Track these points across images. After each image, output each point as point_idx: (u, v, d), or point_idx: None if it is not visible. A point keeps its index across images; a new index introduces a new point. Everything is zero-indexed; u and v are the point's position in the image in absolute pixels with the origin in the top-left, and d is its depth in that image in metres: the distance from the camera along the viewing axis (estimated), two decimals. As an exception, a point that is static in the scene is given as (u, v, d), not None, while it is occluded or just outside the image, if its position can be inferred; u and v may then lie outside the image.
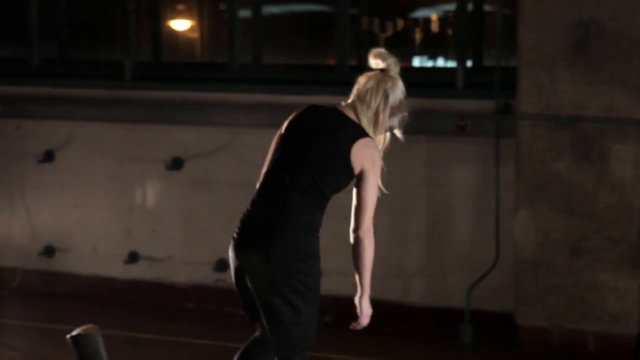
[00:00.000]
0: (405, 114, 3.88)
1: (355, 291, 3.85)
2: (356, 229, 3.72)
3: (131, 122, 6.96)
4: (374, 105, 3.78)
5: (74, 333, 4.53)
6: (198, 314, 6.68)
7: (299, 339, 3.72)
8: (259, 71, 7.07)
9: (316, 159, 3.72)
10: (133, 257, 6.99)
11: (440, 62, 7.63)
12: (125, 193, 7.02)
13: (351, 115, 3.79)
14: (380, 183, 3.77)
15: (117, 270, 7.02)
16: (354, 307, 3.86)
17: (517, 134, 5.83)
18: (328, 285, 6.30)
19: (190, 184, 6.88)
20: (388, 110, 3.79)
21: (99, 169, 7.05)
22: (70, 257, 7.15)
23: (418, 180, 6.36)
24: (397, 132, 3.91)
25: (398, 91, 3.81)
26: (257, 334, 3.88)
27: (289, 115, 6.50)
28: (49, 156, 7.13)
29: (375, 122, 3.79)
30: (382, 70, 3.81)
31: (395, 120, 3.88)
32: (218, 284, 6.82)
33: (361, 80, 3.82)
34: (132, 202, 7.02)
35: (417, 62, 7.69)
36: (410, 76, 6.60)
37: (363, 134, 3.76)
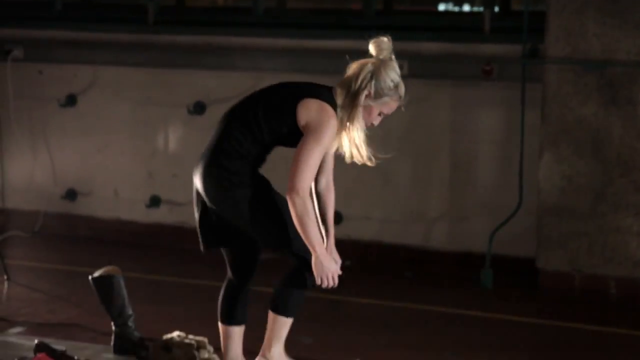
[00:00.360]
0: (399, 105, 3.76)
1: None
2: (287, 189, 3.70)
3: (154, 67, 6.93)
4: (354, 87, 3.69)
5: (96, 274, 4.56)
6: (219, 258, 6.66)
7: (267, 236, 3.84)
8: (283, 15, 6.99)
9: (268, 97, 3.79)
10: (155, 201, 7.00)
11: (466, 7, 7.54)
12: (148, 137, 7.01)
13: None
14: (318, 149, 3.66)
15: (139, 214, 7.04)
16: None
17: (543, 78, 5.76)
18: (347, 230, 6.35)
19: (212, 128, 6.80)
20: (371, 99, 3.68)
21: (121, 113, 7.04)
22: (92, 201, 7.17)
23: (442, 125, 6.30)
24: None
25: (386, 78, 3.68)
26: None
27: (313, 59, 6.51)
28: (71, 100, 7.12)
29: (352, 108, 3.68)
30: (374, 56, 3.72)
31: (379, 119, 3.76)
32: (239, 229, 6.82)
33: (352, 65, 3.75)
34: (154, 147, 7.02)
35: (442, 6, 7.61)
36: (436, 21, 6.62)
37: (328, 98, 3.71)
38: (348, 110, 3.70)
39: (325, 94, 3.74)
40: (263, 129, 3.76)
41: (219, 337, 4.63)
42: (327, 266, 3.72)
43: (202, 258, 6.85)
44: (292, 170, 3.66)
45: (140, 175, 7.05)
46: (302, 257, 3.83)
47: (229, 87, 6.80)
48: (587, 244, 5.72)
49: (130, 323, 4.51)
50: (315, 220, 3.72)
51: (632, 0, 5.53)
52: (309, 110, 3.68)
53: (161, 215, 7.01)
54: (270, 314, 3.98)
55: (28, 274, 6.10)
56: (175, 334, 4.37)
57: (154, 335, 4.48)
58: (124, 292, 4.55)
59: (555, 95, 5.71)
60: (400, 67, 3.83)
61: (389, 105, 3.74)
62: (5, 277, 5.86)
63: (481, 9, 6.47)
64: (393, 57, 3.73)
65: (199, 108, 6.84)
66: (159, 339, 4.36)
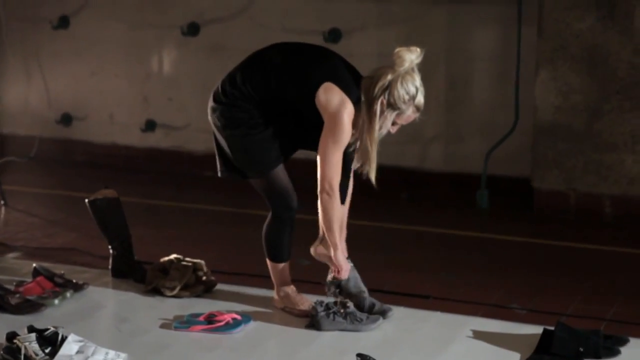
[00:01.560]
0: (415, 116, 3.78)
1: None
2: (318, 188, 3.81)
3: (147, -13, 6.84)
4: (371, 94, 3.70)
5: (92, 198, 4.55)
6: (215, 182, 6.64)
7: (241, 165, 3.98)
8: None
9: (293, 63, 3.82)
10: (150, 125, 6.97)
11: None
12: (142, 60, 6.95)
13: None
14: (339, 149, 3.73)
15: (134, 138, 7.02)
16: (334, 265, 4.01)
17: (540, -7, 5.68)
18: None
19: (207, 49, 6.79)
20: (385, 108, 3.69)
21: (115, 35, 6.97)
22: (87, 125, 7.15)
23: (438, 44, 6.23)
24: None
25: (402, 90, 3.68)
26: None
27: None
28: (64, 22, 7.03)
29: (368, 113, 3.71)
30: (395, 66, 3.70)
31: (394, 127, 3.78)
32: (236, 152, 6.81)
33: (378, 68, 3.75)
34: (148, 69, 6.96)
35: None
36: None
37: (352, 89, 3.72)
38: (365, 112, 3.74)
39: (350, 85, 3.75)
40: (272, 90, 3.83)
41: (215, 259, 4.67)
42: (341, 265, 3.95)
43: (198, 182, 6.90)
44: (319, 172, 3.79)
45: (136, 99, 7.01)
46: (273, 203, 4.00)
47: (223, 6, 6.71)
48: (582, 163, 5.71)
49: (127, 246, 4.53)
50: (338, 225, 3.88)
51: None
52: (331, 97, 3.72)
53: (157, 140, 6.99)
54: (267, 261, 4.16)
55: (25, 199, 6.10)
56: (173, 256, 4.40)
57: (151, 259, 4.51)
58: (122, 215, 4.56)
59: (552, 10, 5.63)
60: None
61: (404, 116, 3.77)
62: (2, 202, 5.87)
63: None
64: (415, 68, 3.74)
65: (193, 29, 6.76)
66: (156, 262, 4.39)
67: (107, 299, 4.26)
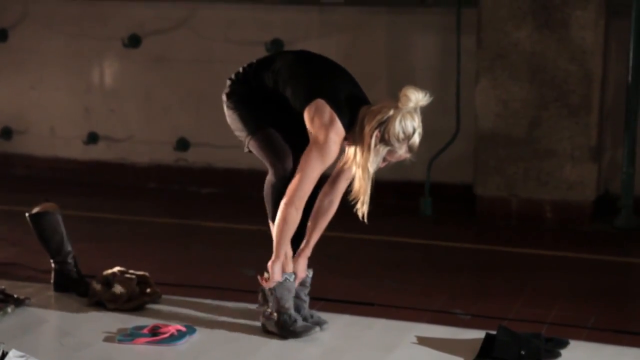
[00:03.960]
0: (407, 156, 3.78)
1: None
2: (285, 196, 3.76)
3: (86, -1, 6.80)
4: (368, 123, 3.67)
5: (33, 211, 4.50)
6: (159, 194, 6.67)
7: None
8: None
9: (297, 75, 3.81)
10: (92, 138, 6.92)
11: None
12: (83, 72, 6.90)
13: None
14: (322, 168, 3.70)
15: (77, 151, 6.96)
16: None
17: (478, 2, 5.75)
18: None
19: (148, 61, 6.76)
20: (378, 142, 3.68)
21: (55, 47, 6.91)
22: (28, 139, 7.07)
23: (379, 53, 6.29)
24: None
25: (399, 128, 3.67)
26: None
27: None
28: (2, 35, 6.96)
29: (361, 142, 3.69)
30: (398, 102, 3.70)
31: (383, 163, 3.77)
32: (179, 163, 6.79)
33: (383, 101, 3.75)
34: (89, 81, 6.91)
35: None
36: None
37: (346, 113, 3.69)
38: (357, 141, 3.72)
39: (343, 108, 3.72)
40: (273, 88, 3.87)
41: (159, 271, 4.64)
42: (276, 275, 3.83)
43: (142, 194, 6.86)
44: (294, 184, 3.72)
45: (77, 112, 6.95)
46: (273, 162, 3.89)
47: (165, 18, 6.69)
48: (523, 169, 5.79)
49: (69, 260, 4.48)
50: (290, 238, 3.81)
51: None
52: (320, 114, 3.70)
53: (99, 152, 6.93)
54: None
55: (-36, 214, 6.02)
56: (116, 269, 4.36)
57: (94, 272, 4.46)
58: (62, 228, 4.51)
59: (490, 19, 5.72)
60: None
61: (395, 153, 3.76)
62: (-59, 218, 5.78)
63: None
64: (418, 109, 3.74)
65: (134, 41, 6.73)
66: (99, 275, 4.35)
67: (49, 314, 4.21)
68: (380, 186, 6.44)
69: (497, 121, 5.79)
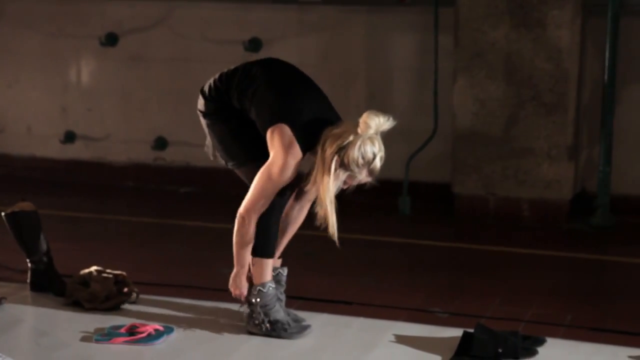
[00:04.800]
0: (368, 180, 3.76)
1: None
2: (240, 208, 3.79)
3: (63, -3, 6.77)
4: (328, 147, 3.65)
5: (9, 210, 4.48)
6: (138, 193, 6.64)
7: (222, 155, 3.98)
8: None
9: (263, 91, 3.78)
10: (69, 137, 6.89)
11: None
12: (59, 71, 6.86)
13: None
14: (278, 186, 3.70)
15: (54, 150, 6.92)
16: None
17: (456, 2, 5.76)
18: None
19: (125, 60, 6.73)
20: (338, 166, 3.66)
21: (32, 46, 6.87)
22: (4, 138, 7.02)
23: (357, 52, 6.30)
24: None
25: (359, 154, 3.63)
26: None
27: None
28: (-22, 34, 6.92)
29: (322, 165, 3.67)
30: (359, 129, 3.66)
31: (345, 185, 3.75)
32: (157, 163, 6.77)
33: (345, 123, 3.73)
34: (66, 80, 6.87)
35: None
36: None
37: (307, 134, 3.68)
38: (319, 162, 3.70)
39: (306, 133, 3.70)
40: (233, 101, 3.85)
41: (136, 270, 4.63)
42: (240, 285, 3.89)
43: (119, 193, 6.84)
44: (249, 195, 3.75)
45: (54, 111, 6.91)
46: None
47: (142, 17, 6.67)
48: (500, 168, 5.82)
49: (46, 259, 4.46)
50: (250, 245, 3.83)
51: None
52: (280, 138, 3.69)
53: (77, 151, 6.90)
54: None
55: (-60, 214, 5.97)
56: (93, 268, 4.34)
57: (71, 272, 4.44)
58: (39, 227, 4.48)
59: (467, 19, 5.74)
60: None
61: (355, 178, 3.74)
62: None
63: None
64: (379, 134, 3.71)
65: (111, 39, 6.71)
66: (76, 275, 4.33)
67: (25, 313, 4.18)
68: (359, 184, 6.52)
69: (475, 120, 5.81)
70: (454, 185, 5.93)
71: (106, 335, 3.86)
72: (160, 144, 6.73)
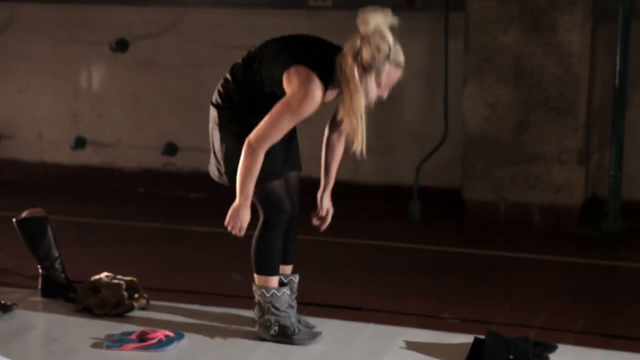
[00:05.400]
0: (398, 74, 3.66)
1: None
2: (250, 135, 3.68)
3: (74, 3, 6.78)
4: (345, 65, 3.57)
5: (20, 217, 4.49)
6: (148, 198, 6.65)
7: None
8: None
9: (268, 55, 3.72)
10: (80, 143, 6.90)
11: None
12: (70, 77, 6.88)
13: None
14: (290, 118, 3.59)
15: (64, 156, 6.94)
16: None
17: (466, 6, 5.75)
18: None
19: (136, 66, 6.75)
20: (362, 74, 3.56)
21: (43, 52, 6.89)
22: (15, 144, 7.04)
23: (366, 57, 6.28)
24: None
25: (372, 50, 3.55)
26: None
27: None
28: (-11, 40, 6.95)
29: (347, 83, 3.57)
30: (359, 29, 3.59)
31: (383, 91, 3.66)
32: (167, 168, 6.78)
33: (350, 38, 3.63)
34: (77, 86, 6.89)
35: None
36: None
37: (321, 65, 3.59)
38: (345, 87, 3.61)
39: (318, 63, 3.63)
40: (250, 83, 3.77)
41: (146, 277, 4.63)
42: (242, 217, 3.73)
43: (129, 199, 6.85)
44: (262, 124, 3.64)
45: (64, 116, 6.93)
46: (265, 207, 3.83)
47: (152, 22, 6.69)
48: (510, 173, 5.80)
49: (57, 265, 4.46)
50: (255, 176, 3.70)
51: None
52: (296, 78, 3.60)
53: (87, 157, 6.92)
54: None
55: (-49, 219, 5.99)
56: (103, 274, 4.35)
57: (81, 278, 4.45)
58: (50, 234, 4.49)
59: (477, 23, 5.73)
60: None
61: (384, 76, 3.64)
62: None
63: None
64: (383, 26, 3.62)
65: (121, 45, 6.72)
66: (86, 281, 4.34)
67: (36, 320, 4.19)
68: (369, 190, 6.54)
69: (485, 125, 5.80)
70: (464, 190, 5.92)
71: (117, 341, 3.86)
72: (170, 149, 6.74)
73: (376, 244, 5.55)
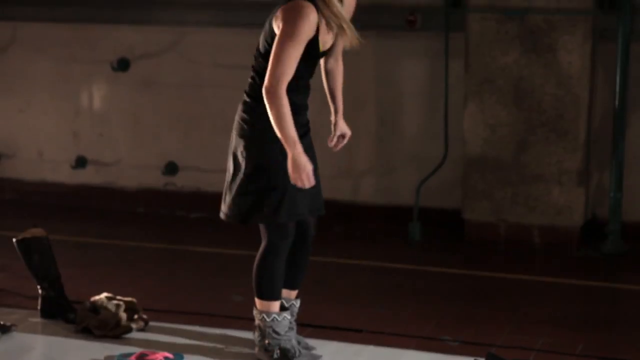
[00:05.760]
0: None
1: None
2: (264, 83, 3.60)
3: (75, 22, 6.79)
4: None
5: (20, 237, 4.49)
6: (148, 218, 6.65)
7: (234, 207, 3.78)
8: (205, -32, 6.89)
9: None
10: (81, 162, 6.90)
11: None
12: (71, 96, 6.89)
13: None
14: (291, 44, 3.54)
15: (65, 175, 6.94)
16: None
17: (466, 27, 5.77)
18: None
19: (137, 85, 6.76)
20: None
21: (44, 71, 6.90)
22: (16, 163, 7.05)
23: (367, 77, 6.30)
24: None
25: None
26: None
27: (237, 12, 6.43)
28: (-10, 59, 6.97)
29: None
30: None
31: None
32: (168, 188, 6.78)
33: None
34: (78, 105, 6.90)
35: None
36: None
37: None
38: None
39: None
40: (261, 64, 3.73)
41: (147, 297, 4.62)
42: (303, 165, 3.59)
43: (130, 219, 6.84)
44: (270, 66, 3.58)
45: (65, 135, 6.94)
46: (269, 231, 3.78)
47: (153, 42, 6.70)
48: (511, 194, 5.80)
49: (56, 286, 4.46)
50: (291, 119, 3.59)
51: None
52: (282, 14, 3.61)
53: (88, 176, 6.92)
54: None
55: (-49, 238, 5.99)
56: (103, 295, 4.35)
57: (81, 298, 4.45)
58: (50, 254, 4.49)
59: (477, 44, 5.74)
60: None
61: None
62: None
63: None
64: None
65: (123, 64, 6.73)
66: (86, 302, 4.33)
67: (36, 341, 4.19)
68: (369, 211, 6.53)
69: (485, 146, 5.81)
70: (464, 212, 5.92)
71: (116, 363, 3.86)
72: (171, 169, 6.74)
73: (376, 265, 5.54)
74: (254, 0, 6.33)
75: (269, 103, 3.58)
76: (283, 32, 3.59)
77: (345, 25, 3.67)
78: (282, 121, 3.57)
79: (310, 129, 3.89)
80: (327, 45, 3.76)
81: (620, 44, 5.65)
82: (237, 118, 3.81)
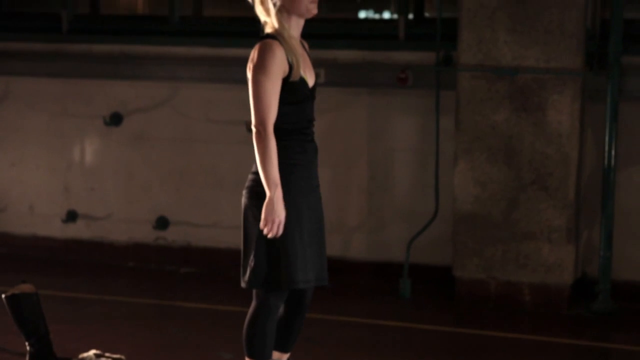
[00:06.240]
0: None
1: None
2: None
3: (69, 77, 6.83)
4: (264, 7, 3.67)
5: (9, 293, 4.47)
6: (138, 273, 6.63)
7: (250, 272, 3.68)
8: (199, 23, 6.95)
9: None
10: (71, 216, 6.90)
11: (387, 15, 7.60)
12: (63, 150, 6.91)
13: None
14: (264, 78, 3.56)
15: (55, 229, 6.93)
16: None
17: (457, 85, 5.82)
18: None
19: (129, 140, 6.79)
20: (278, 11, 3.64)
21: (36, 125, 6.93)
22: (6, 217, 7.04)
23: (359, 133, 6.34)
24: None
25: None
26: None
27: (230, 68, 6.48)
28: (-17, 113, 6.99)
29: (275, 20, 3.65)
30: None
31: (311, 4, 3.69)
32: (158, 242, 6.77)
33: None
34: (70, 159, 6.92)
35: (363, 14, 7.67)
36: (353, 28, 6.66)
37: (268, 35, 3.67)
38: (277, 23, 3.66)
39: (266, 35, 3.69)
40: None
41: (136, 354, 4.59)
42: (278, 212, 3.58)
43: (120, 273, 6.82)
44: (252, 107, 3.61)
45: (56, 190, 6.94)
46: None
47: (146, 97, 6.74)
48: (501, 251, 5.80)
49: (45, 342, 4.43)
50: (276, 160, 3.59)
51: (541, 8, 5.63)
52: (251, 57, 3.66)
53: (78, 230, 6.91)
54: None
55: (-60, 293, 5.95)
56: (92, 352, 4.32)
57: (70, 355, 4.42)
58: (39, 310, 4.47)
59: (468, 102, 5.79)
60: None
61: None
62: None
63: (396, 15, 6.52)
64: None
65: (115, 119, 6.76)
66: (74, 358, 4.30)
67: (23, 398, 4.16)
68: (359, 266, 6.53)
69: (476, 203, 5.82)
70: (454, 269, 5.91)
71: (103, 422, 3.82)
72: (162, 223, 6.74)
73: (366, 322, 5.52)
74: (246, 57, 6.37)
75: (256, 142, 3.59)
76: (254, 69, 3.62)
77: (294, 60, 3.64)
78: (266, 160, 3.58)
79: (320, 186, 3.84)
80: (311, 83, 3.76)
81: (609, 104, 5.70)
82: (247, 184, 3.75)
